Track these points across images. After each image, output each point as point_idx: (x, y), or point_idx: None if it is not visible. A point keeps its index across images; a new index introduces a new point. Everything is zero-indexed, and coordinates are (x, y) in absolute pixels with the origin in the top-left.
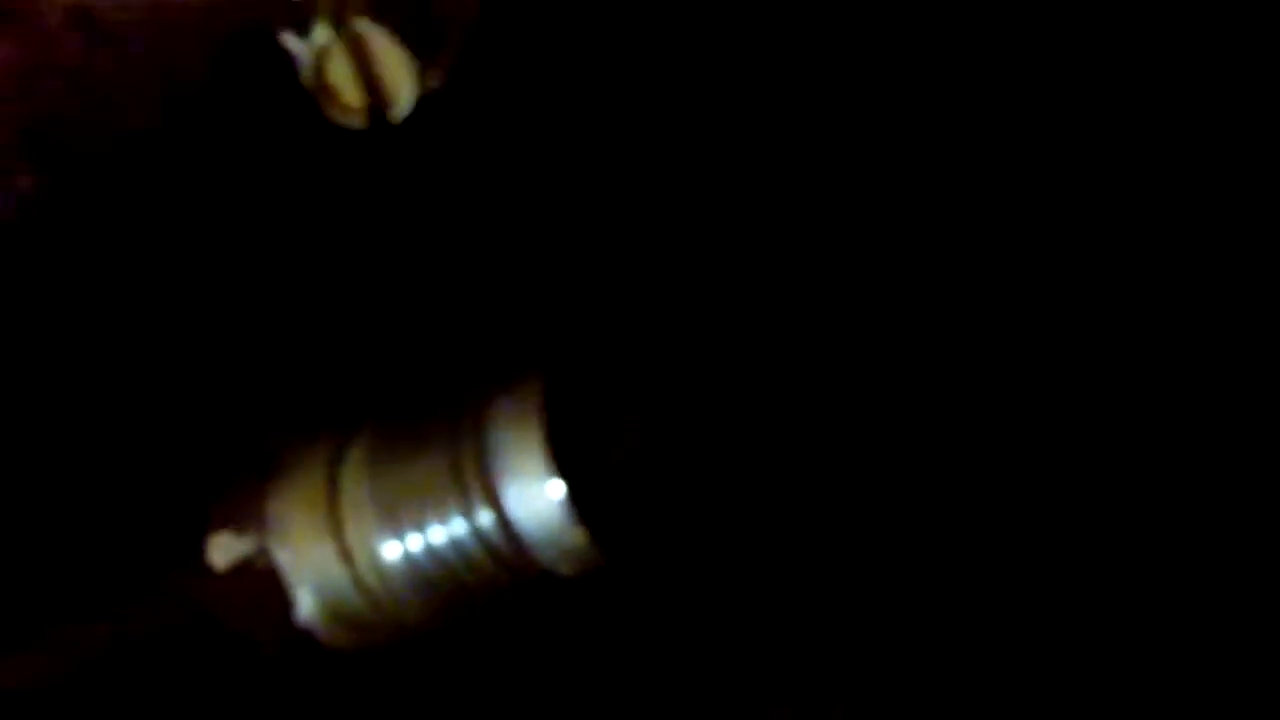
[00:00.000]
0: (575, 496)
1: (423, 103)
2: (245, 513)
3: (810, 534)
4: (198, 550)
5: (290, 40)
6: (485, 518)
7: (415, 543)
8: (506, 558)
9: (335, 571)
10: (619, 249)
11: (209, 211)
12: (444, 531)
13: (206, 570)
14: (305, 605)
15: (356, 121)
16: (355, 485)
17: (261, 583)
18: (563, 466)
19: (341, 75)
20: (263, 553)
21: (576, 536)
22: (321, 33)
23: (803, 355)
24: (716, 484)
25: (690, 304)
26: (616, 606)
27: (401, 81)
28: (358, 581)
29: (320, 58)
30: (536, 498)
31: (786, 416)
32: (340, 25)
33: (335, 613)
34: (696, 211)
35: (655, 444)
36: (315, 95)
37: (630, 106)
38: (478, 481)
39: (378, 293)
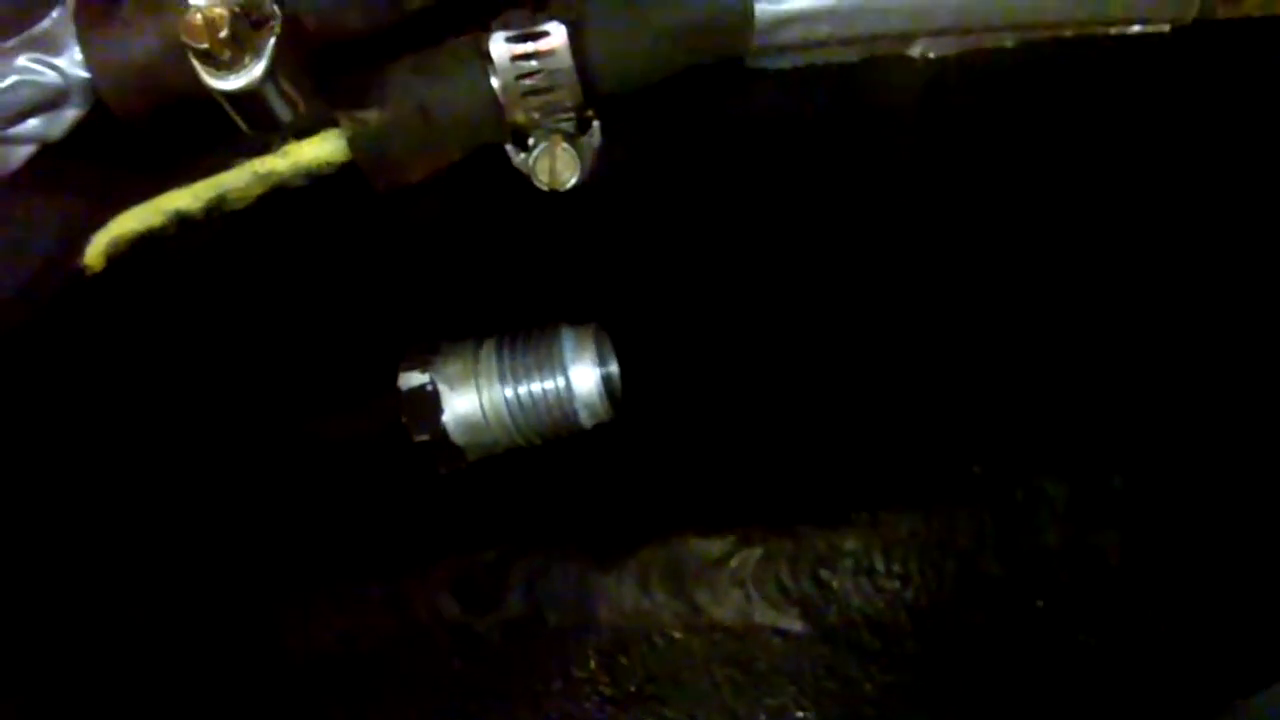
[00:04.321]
0: (604, 381)
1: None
2: (420, 364)
3: None
4: (393, 382)
5: (511, 151)
6: (560, 381)
7: (520, 390)
8: (566, 407)
9: (469, 399)
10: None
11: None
12: (539, 387)
13: (396, 390)
14: (447, 417)
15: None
16: (488, 359)
17: (425, 401)
18: (601, 365)
19: (541, 168)
20: (429, 384)
21: (603, 399)
22: (538, 147)
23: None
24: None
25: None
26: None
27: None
28: (482, 408)
29: (535, 160)
30: (587, 376)
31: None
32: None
33: (466, 424)
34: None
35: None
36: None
37: None
38: (559, 365)
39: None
